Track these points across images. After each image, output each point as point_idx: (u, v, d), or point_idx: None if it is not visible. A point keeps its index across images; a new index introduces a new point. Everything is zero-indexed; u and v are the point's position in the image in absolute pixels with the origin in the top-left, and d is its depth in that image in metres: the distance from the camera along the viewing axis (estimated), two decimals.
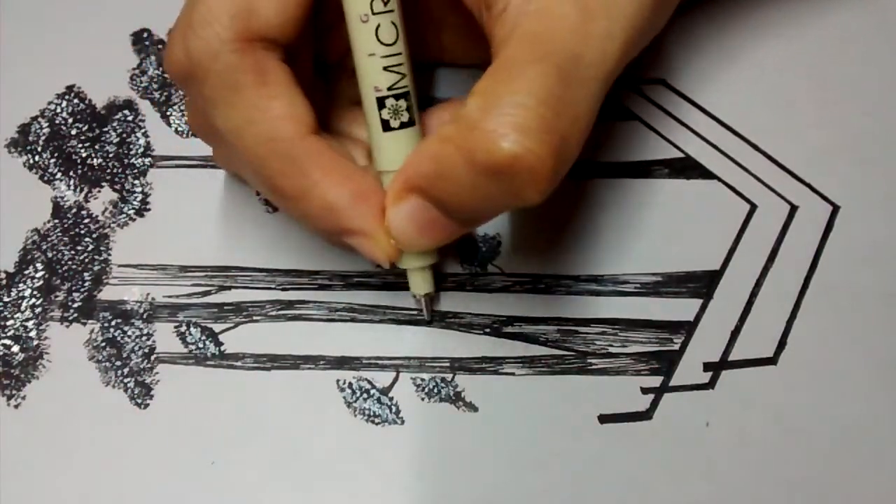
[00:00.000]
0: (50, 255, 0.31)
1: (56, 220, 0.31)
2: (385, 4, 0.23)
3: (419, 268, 0.26)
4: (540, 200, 0.21)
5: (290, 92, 0.23)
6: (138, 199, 0.32)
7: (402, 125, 0.24)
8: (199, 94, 0.23)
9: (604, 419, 0.28)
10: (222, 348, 0.30)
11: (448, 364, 0.29)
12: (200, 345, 0.30)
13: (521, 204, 0.21)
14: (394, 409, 0.29)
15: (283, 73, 0.23)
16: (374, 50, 0.23)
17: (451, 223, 0.23)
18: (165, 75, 0.33)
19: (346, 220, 0.24)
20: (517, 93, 0.20)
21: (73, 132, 0.33)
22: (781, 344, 0.29)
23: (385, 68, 0.24)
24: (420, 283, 0.27)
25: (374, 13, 0.23)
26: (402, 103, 0.24)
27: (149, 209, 0.32)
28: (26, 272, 0.31)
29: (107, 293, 0.30)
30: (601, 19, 0.21)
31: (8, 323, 0.30)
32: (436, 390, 0.29)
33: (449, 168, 0.21)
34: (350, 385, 0.29)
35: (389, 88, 0.24)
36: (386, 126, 0.24)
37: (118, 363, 0.29)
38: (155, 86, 0.33)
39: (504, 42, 0.21)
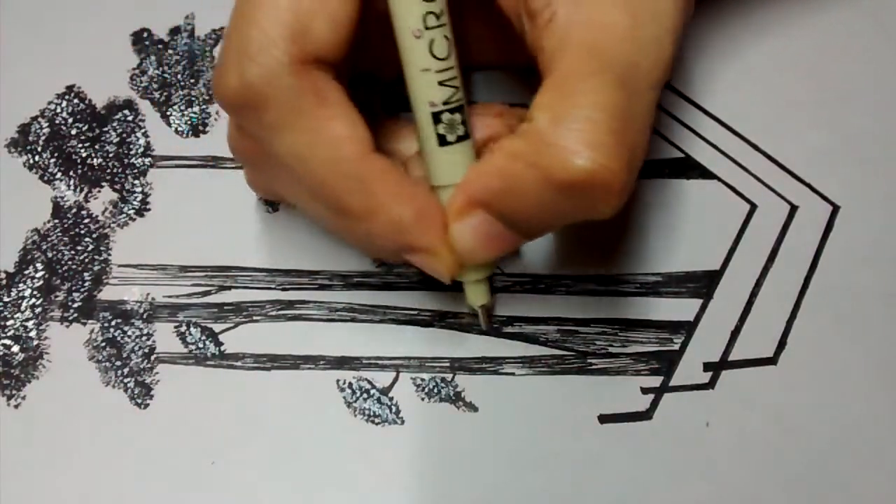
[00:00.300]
0: (50, 255, 0.31)
1: (56, 220, 0.31)
2: (438, 19, 0.23)
3: (478, 280, 0.26)
4: (613, 214, 0.21)
5: (348, 111, 0.23)
6: (138, 199, 0.32)
7: (459, 139, 0.24)
8: (258, 121, 0.22)
9: (604, 419, 0.28)
10: (222, 348, 0.30)
11: (448, 364, 0.29)
12: (200, 345, 0.30)
13: (593, 218, 0.21)
14: (394, 409, 0.29)
15: (339, 92, 0.23)
16: (429, 65, 0.23)
17: (515, 236, 0.23)
18: (166, 75, 0.33)
19: (411, 238, 0.23)
20: (584, 107, 0.20)
21: (73, 132, 0.33)
22: (781, 344, 0.29)
23: (440, 83, 0.23)
24: (478, 295, 0.27)
25: (427, 28, 0.23)
26: (458, 117, 0.23)
27: (149, 209, 0.32)
28: (26, 272, 0.31)
29: (107, 293, 0.30)
30: (650, 25, 0.21)
31: (8, 323, 0.30)
32: (436, 390, 0.29)
33: (518, 184, 0.21)
34: (350, 385, 0.29)
35: (444, 103, 0.23)
36: (442, 141, 0.24)
37: (118, 363, 0.29)
38: (155, 86, 0.33)
39: (557, 53, 0.21)
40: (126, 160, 0.32)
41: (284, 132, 0.22)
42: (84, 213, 0.32)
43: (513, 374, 0.29)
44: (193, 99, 0.33)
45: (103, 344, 0.30)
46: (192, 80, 0.33)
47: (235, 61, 0.22)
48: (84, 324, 0.30)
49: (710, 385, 0.29)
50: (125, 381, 0.29)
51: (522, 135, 0.21)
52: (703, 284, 0.30)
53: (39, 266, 0.31)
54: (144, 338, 0.30)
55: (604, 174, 0.20)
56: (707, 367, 0.29)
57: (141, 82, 0.33)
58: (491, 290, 0.28)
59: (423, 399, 0.29)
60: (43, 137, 0.33)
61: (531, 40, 0.23)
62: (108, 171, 0.32)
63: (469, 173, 0.23)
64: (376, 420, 0.29)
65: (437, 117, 0.24)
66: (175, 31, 0.34)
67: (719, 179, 0.31)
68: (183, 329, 0.30)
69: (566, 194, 0.20)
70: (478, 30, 0.29)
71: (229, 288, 0.30)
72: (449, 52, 0.23)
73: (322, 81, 0.23)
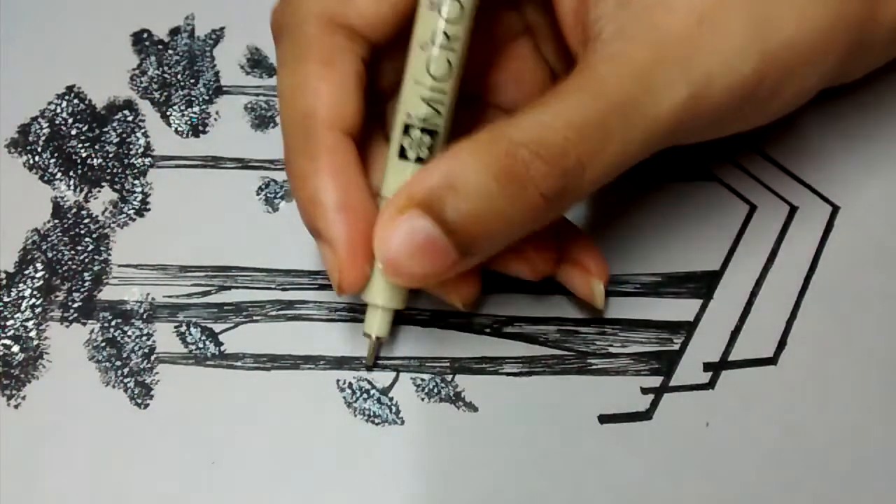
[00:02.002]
0: (50, 255, 0.31)
1: (56, 220, 0.31)
2: (448, 40, 0.23)
3: (383, 306, 0.25)
4: (540, 220, 0.21)
5: (349, 85, 0.23)
6: (138, 199, 0.32)
7: (419, 160, 0.23)
8: (278, 50, 0.24)
9: (604, 419, 0.28)
10: (222, 348, 0.30)
11: (448, 364, 0.29)
12: (200, 345, 0.30)
13: (527, 222, 0.21)
14: (394, 409, 0.29)
15: (352, 66, 0.23)
16: (421, 79, 0.23)
17: (450, 250, 0.21)
18: (166, 75, 0.33)
19: (321, 221, 0.23)
20: (547, 112, 0.20)
21: (73, 132, 0.33)
22: (781, 344, 0.29)
23: (424, 100, 0.23)
24: (375, 324, 0.26)
25: (433, 43, 0.23)
26: (427, 139, 0.23)
27: (149, 209, 0.32)
28: (26, 272, 0.31)
29: (107, 293, 0.30)
30: (672, 69, 0.21)
31: (8, 323, 0.30)
32: (436, 390, 0.29)
33: (460, 174, 0.20)
34: (350, 385, 0.29)
35: (420, 120, 0.23)
36: (402, 153, 0.24)
37: (118, 363, 0.29)
38: (155, 86, 0.33)
39: (567, 77, 0.22)
40: (126, 160, 0.32)
41: (285, 68, 0.24)
42: (84, 213, 0.32)
43: (513, 374, 0.29)
44: (193, 99, 0.33)
45: (103, 344, 0.30)
46: (192, 80, 0.33)
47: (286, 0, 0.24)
48: (84, 324, 0.30)
49: (710, 385, 0.29)
50: (125, 381, 0.29)
51: (478, 131, 0.21)
52: (703, 284, 0.30)
53: (39, 266, 0.31)
54: (144, 338, 0.30)
55: (540, 169, 0.20)
56: (707, 367, 0.29)
57: (141, 82, 0.33)
58: (390, 328, 0.26)
59: (423, 399, 0.29)
60: (43, 137, 0.33)
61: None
62: (108, 171, 0.32)
63: (417, 174, 0.22)
64: (376, 420, 0.29)
65: (406, 129, 0.24)
66: (175, 31, 0.34)
67: (719, 180, 0.31)
68: (183, 329, 0.30)
69: (501, 184, 0.20)
70: (510, 68, 0.29)
71: (229, 288, 0.30)
72: (446, 76, 0.23)
73: (341, 48, 0.23)
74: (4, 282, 0.31)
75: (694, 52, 0.21)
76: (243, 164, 0.32)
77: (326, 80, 0.23)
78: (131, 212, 0.32)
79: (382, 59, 0.25)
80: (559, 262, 0.27)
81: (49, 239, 0.31)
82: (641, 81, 0.21)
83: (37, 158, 0.32)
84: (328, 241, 0.23)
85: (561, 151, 0.20)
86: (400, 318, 0.30)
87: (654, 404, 0.29)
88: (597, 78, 0.21)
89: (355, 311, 0.30)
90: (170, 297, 0.30)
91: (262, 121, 0.33)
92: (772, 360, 0.29)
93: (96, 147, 0.33)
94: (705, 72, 0.21)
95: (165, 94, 0.33)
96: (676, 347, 0.29)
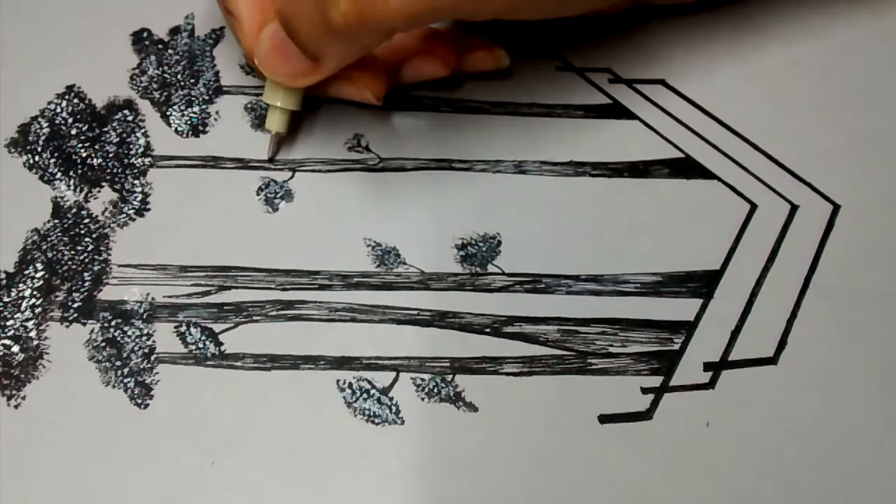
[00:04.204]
0: (50, 255, 0.31)
1: (56, 220, 0.31)
2: None
3: (281, 108, 0.30)
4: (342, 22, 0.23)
5: None
6: (138, 199, 0.32)
7: None
8: None
9: (604, 419, 0.28)
10: (222, 348, 0.30)
11: (448, 364, 0.29)
12: (200, 345, 0.30)
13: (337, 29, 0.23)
14: (394, 409, 0.29)
15: None
16: None
17: (298, 54, 0.26)
18: (166, 75, 0.33)
19: (232, 3, 0.28)
20: None
21: (73, 132, 0.33)
22: (781, 344, 0.29)
23: None
24: (275, 121, 0.31)
25: None
26: None
27: (149, 209, 0.32)
28: (26, 272, 0.31)
29: (107, 293, 0.30)
30: None
31: (8, 323, 0.30)
32: (436, 390, 0.29)
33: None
34: (350, 385, 0.29)
35: None
36: None
37: (118, 363, 0.29)
38: (155, 86, 0.33)
39: None
40: (126, 160, 0.32)
41: None
42: (84, 213, 0.32)
43: (513, 374, 0.29)
44: (193, 99, 0.33)
45: (103, 344, 0.30)
46: (192, 80, 0.33)
47: None
48: (84, 324, 0.30)
49: (710, 385, 0.29)
50: (125, 381, 0.29)
51: None
52: (703, 284, 0.30)
53: (39, 266, 0.31)
54: (144, 338, 0.30)
55: None
56: (707, 367, 0.29)
57: (141, 82, 0.33)
58: (289, 126, 0.31)
59: (423, 399, 0.29)
60: (43, 137, 0.33)
61: None
62: (108, 171, 0.32)
63: None
64: (376, 420, 0.29)
65: None
66: (175, 31, 0.34)
67: (719, 179, 0.31)
68: (183, 329, 0.30)
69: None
70: None
71: (229, 288, 0.30)
72: None
73: None
74: (4, 282, 0.31)
75: None
76: (243, 164, 0.32)
77: None
78: (131, 212, 0.32)
79: None
80: (463, 55, 0.31)
81: (49, 239, 0.31)
82: None
83: (37, 158, 0.32)
84: (233, 13, 0.28)
85: None
86: (401, 318, 0.30)
87: (654, 404, 0.29)
88: None
89: (355, 311, 0.30)
90: (170, 297, 0.30)
91: (262, 121, 0.33)
92: (772, 360, 0.29)
93: (96, 147, 0.33)
94: None
95: (165, 93, 0.33)
96: (676, 347, 0.29)
